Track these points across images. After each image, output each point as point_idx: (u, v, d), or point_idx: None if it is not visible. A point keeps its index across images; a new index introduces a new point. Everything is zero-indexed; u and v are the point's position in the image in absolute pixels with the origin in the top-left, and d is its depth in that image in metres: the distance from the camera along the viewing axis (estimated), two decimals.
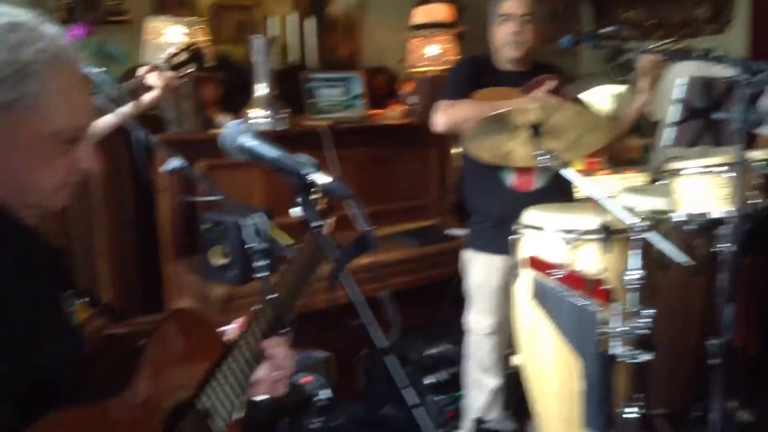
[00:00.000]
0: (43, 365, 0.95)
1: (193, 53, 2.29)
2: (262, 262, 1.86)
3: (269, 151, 1.13)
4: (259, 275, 1.87)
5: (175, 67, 2.27)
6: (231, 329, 1.37)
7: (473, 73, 2.80)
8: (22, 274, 0.98)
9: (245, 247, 1.87)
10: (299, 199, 1.09)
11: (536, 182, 2.77)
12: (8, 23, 0.98)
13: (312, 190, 1.10)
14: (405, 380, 1.03)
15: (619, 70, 2.86)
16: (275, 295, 1.30)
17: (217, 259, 2.76)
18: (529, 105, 2.60)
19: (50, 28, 1.03)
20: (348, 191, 1.03)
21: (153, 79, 2.18)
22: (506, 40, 2.78)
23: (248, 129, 1.15)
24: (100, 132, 2.15)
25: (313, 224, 1.08)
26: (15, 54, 0.96)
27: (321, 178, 1.05)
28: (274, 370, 1.28)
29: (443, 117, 2.67)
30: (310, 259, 1.37)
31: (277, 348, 1.28)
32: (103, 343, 1.10)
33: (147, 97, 2.20)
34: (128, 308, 2.85)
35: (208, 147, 2.92)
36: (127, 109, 2.15)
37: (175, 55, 2.27)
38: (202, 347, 1.20)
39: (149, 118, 2.85)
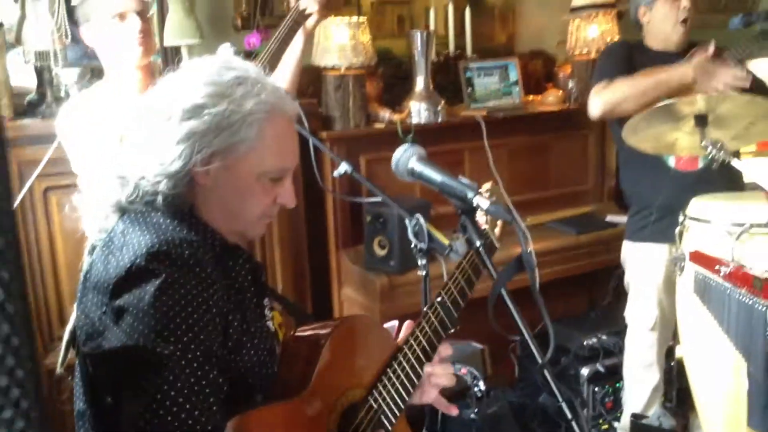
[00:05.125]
0: (248, 366, 1.10)
1: None
2: (422, 261, 1.98)
3: (436, 175, 1.22)
4: (419, 272, 1.99)
5: None
6: (391, 326, 1.48)
7: (626, 56, 2.70)
8: (232, 286, 1.13)
9: (410, 244, 1.99)
10: (463, 219, 1.17)
11: (701, 161, 2.64)
12: (236, 77, 1.14)
13: (475, 211, 1.18)
14: (564, 393, 1.09)
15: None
16: (441, 299, 1.39)
17: (378, 250, 2.91)
18: (689, 70, 2.51)
19: (270, 80, 1.18)
20: (508, 214, 1.10)
21: (308, 2, 2.28)
22: (678, 18, 2.66)
23: (416, 153, 1.25)
24: (293, 73, 2.34)
25: (477, 244, 1.16)
26: (240, 105, 1.11)
27: (483, 202, 1.13)
28: (435, 378, 1.38)
29: (598, 101, 2.61)
30: (472, 274, 1.45)
31: (439, 361, 1.37)
32: (291, 344, 1.25)
33: (310, 23, 2.32)
34: (299, 293, 3.08)
35: (370, 141, 3.09)
36: (299, 42, 2.31)
37: None
38: (374, 350, 1.31)
39: (318, 116, 3.03)
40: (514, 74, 3.57)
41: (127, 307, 0.99)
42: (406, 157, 1.24)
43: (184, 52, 2.93)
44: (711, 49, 2.59)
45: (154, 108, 1.14)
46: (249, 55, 2.82)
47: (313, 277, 3.11)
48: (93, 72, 2.70)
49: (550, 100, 3.62)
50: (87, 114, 2.06)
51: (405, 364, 1.31)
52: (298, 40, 2.31)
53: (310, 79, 3.13)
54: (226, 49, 2.03)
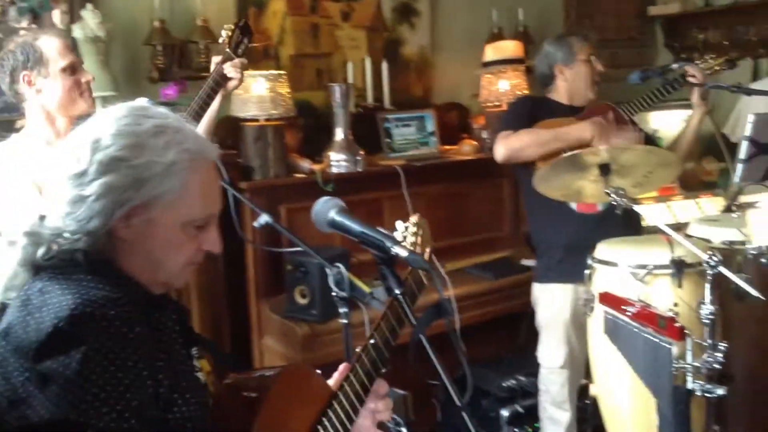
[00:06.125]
0: (180, 422, 1.06)
1: (242, 29, 2.51)
2: (343, 309, 2.01)
3: (355, 225, 1.26)
4: (341, 320, 2.02)
5: (236, 49, 2.48)
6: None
7: (528, 110, 2.90)
8: (161, 340, 1.09)
9: (331, 292, 2.02)
10: (383, 269, 1.22)
11: (600, 204, 2.80)
12: (154, 126, 1.10)
13: (394, 261, 1.22)
14: None
15: (668, 86, 2.90)
16: (373, 341, 1.38)
17: (300, 299, 2.91)
18: (587, 129, 2.74)
19: (189, 126, 1.15)
20: (425, 263, 1.15)
21: (229, 69, 2.42)
22: (593, 80, 2.90)
23: (336, 205, 1.29)
24: (207, 129, 2.43)
25: (396, 292, 1.20)
26: (161, 156, 1.07)
27: (402, 252, 1.17)
28: (373, 417, 1.38)
29: (503, 146, 2.79)
30: (401, 313, 1.47)
31: (376, 396, 1.37)
32: (224, 393, 1.22)
33: (231, 85, 2.46)
34: (218, 343, 3.04)
35: (291, 191, 3.12)
36: (217, 101, 2.43)
37: (230, 38, 2.47)
38: (312, 398, 1.29)
39: (237, 167, 3.05)
40: (430, 125, 3.69)
41: (53, 375, 0.94)
42: (326, 209, 1.28)
43: (99, 104, 2.90)
44: (610, 115, 2.81)
45: (67, 162, 1.08)
46: (166, 106, 2.83)
47: (232, 327, 3.08)
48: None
49: (466, 149, 3.74)
50: (9, 166, 2.05)
51: (340, 409, 1.30)
52: (216, 100, 2.43)
53: (230, 130, 3.15)
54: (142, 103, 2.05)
